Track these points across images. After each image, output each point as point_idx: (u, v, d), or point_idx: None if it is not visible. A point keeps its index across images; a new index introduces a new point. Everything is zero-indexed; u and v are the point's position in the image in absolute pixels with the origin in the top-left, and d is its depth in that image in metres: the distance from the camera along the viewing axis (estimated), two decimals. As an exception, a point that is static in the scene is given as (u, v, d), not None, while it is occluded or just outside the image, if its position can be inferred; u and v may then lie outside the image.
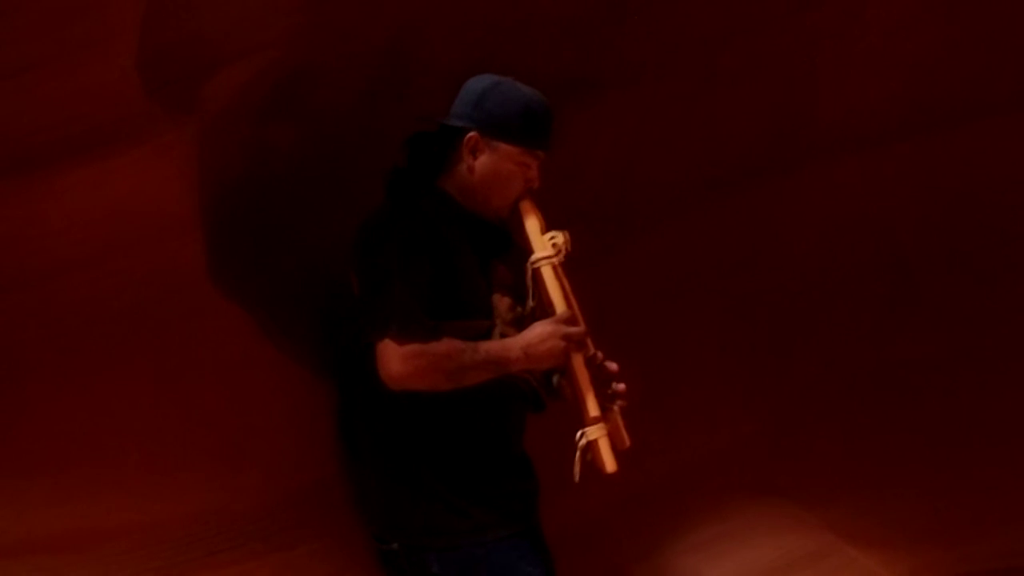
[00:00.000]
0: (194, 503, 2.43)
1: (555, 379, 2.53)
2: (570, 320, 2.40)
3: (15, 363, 2.29)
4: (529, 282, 2.45)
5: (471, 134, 2.43)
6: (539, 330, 2.39)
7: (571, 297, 2.47)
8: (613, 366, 2.46)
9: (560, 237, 2.46)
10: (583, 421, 2.40)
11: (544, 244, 2.45)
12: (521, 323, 2.44)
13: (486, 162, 2.44)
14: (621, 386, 2.45)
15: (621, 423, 2.48)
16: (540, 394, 2.52)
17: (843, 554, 3.31)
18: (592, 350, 2.46)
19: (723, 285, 3.39)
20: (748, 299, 3.41)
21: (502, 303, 2.44)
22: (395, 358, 2.28)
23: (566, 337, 2.38)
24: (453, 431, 2.42)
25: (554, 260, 2.45)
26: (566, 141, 3.06)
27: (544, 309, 2.45)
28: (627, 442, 2.49)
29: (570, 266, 3.10)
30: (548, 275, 2.44)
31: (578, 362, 2.41)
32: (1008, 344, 3.45)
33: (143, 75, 2.18)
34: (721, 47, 3.24)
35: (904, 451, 3.42)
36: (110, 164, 2.19)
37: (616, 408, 2.47)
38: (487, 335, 2.40)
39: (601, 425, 2.38)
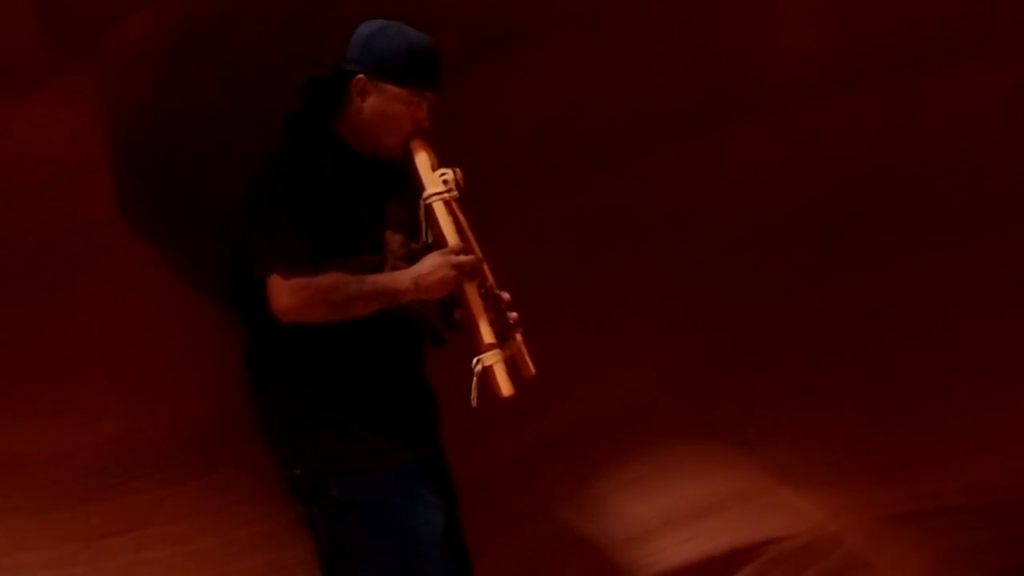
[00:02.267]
0: (107, 432, 2.55)
1: (457, 314, 2.62)
2: (461, 251, 2.49)
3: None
4: (422, 218, 2.54)
5: (358, 77, 2.53)
6: (429, 261, 2.49)
7: (467, 231, 2.56)
8: (505, 295, 2.54)
9: (450, 173, 2.55)
10: (478, 348, 2.49)
11: (435, 181, 2.54)
12: (414, 258, 2.53)
13: (374, 104, 2.53)
14: (514, 314, 2.53)
15: (525, 351, 2.57)
16: (436, 326, 2.61)
17: (773, 494, 3.37)
18: (487, 280, 2.54)
19: (657, 233, 3.43)
20: (682, 247, 3.45)
21: (394, 239, 2.54)
22: (283, 292, 2.39)
23: (456, 267, 2.47)
24: (347, 360, 2.52)
25: (445, 196, 2.54)
26: (494, 93, 3.19)
27: (440, 245, 2.55)
28: (532, 370, 2.58)
29: (505, 216, 3.24)
30: (440, 210, 2.53)
31: (471, 291, 2.50)
32: (941, 292, 3.46)
33: (43, 21, 2.28)
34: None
35: (839, 394, 3.44)
36: (12, 109, 2.30)
37: (518, 337, 2.54)
38: (378, 270, 2.50)
39: (496, 351, 2.47)
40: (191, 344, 2.60)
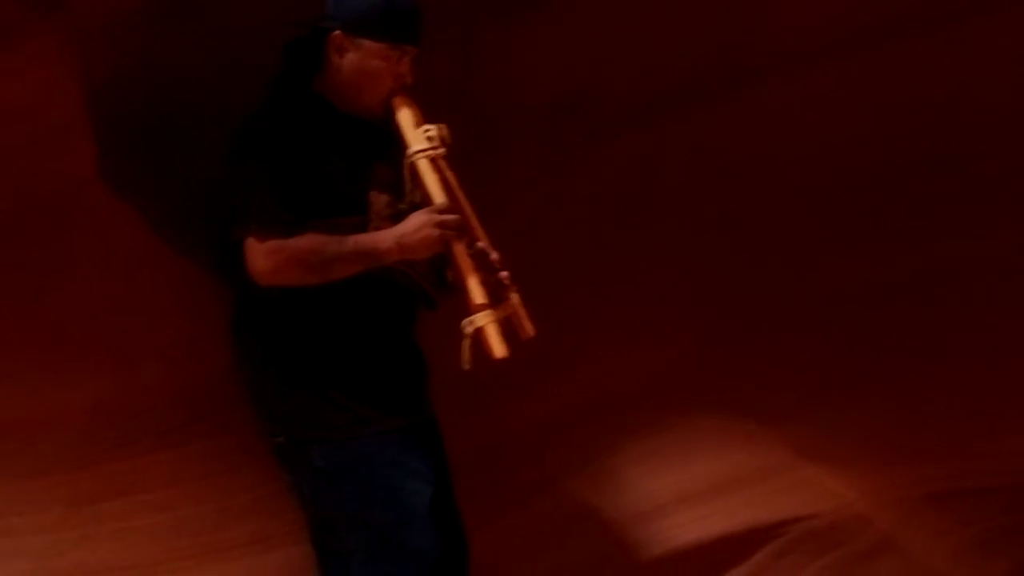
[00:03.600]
0: (95, 397, 2.53)
1: (449, 276, 2.54)
2: (446, 209, 2.41)
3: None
4: (407, 177, 2.47)
5: (335, 33, 2.46)
6: (414, 220, 2.42)
7: (455, 189, 2.48)
8: (494, 255, 2.45)
9: (435, 130, 2.47)
10: (468, 309, 2.41)
11: (419, 137, 2.46)
12: (400, 219, 2.46)
13: (352, 60, 2.47)
14: (504, 273, 2.45)
15: (522, 312, 2.48)
16: (425, 289, 2.53)
17: (797, 471, 3.24)
18: (478, 239, 2.46)
19: (680, 200, 3.32)
20: (705, 214, 3.34)
21: (379, 200, 2.47)
22: (259, 254, 2.35)
23: (441, 225, 2.39)
24: (331, 325, 2.46)
25: (430, 152, 2.46)
26: (509, 54, 3.10)
27: (427, 204, 2.47)
28: (530, 331, 2.49)
29: (522, 180, 3.15)
30: (425, 168, 2.46)
31: (459, 251, 2.42)
32: (974, 265, 3.30)
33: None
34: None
35: (867, 370, 3.31)
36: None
37: (514, 297, 2.46)
38: (362, 231, 2.43)
39: (488, 312, 2.39)
40: (178, 308, 2.58)
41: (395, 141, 2.52)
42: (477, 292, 2.40)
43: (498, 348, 2.37)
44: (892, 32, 3.22)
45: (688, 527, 3.09)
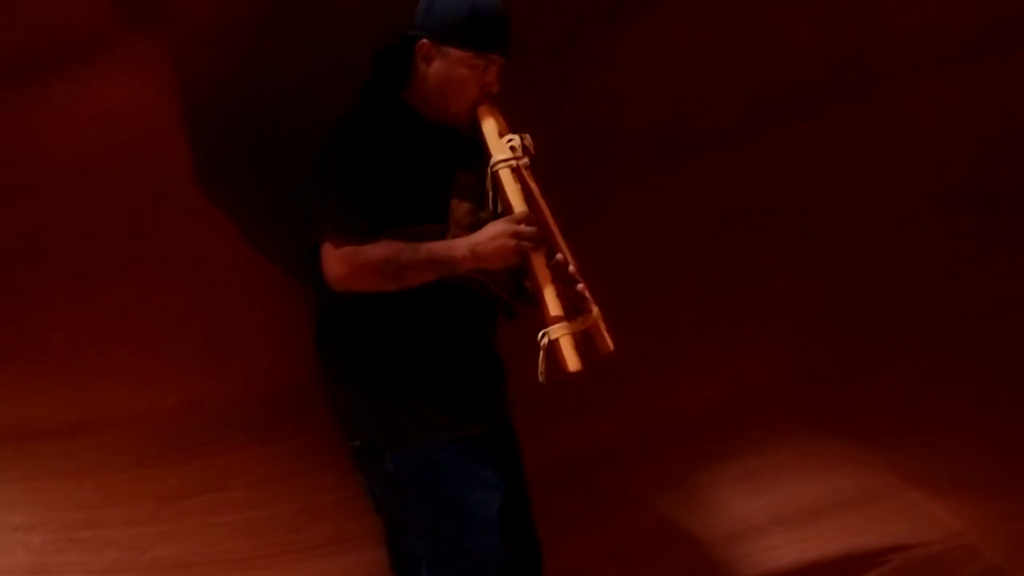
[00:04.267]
0: (183, 395, 2.61)
1: (528, 286, 2.53)
2: (525, 219, 2.41)
3: (24, 263, 2.54)
4: (489, 186, 2.47)
5: (422, 41, 2.48)
6: (490, 230, 2.42)
7: (538, 199, 2.47)
8: (573, 267, 2.43)
9: (517, 139, 2.46)
10: (544, 321, 2.40)
11: (502, 147, 2.46)
12: (480, 228, 2.45)
13: (439, 68, 2.48)
14: (581, 285, 2.42)
15: (602, 326, 2.46)
16: (501, 296, 2.53)
17: (904, 496, 3.11)
18: (558, 251, 2.44)
19: (785, 214, 3.23)
20: (811, 229, 3.24)
21: (460, 208, 2.47)
22: (334, 260, 2.37)
23: (516, 235, 2.39)
24: (408, 331, 2.46)
25: (513, 162, 2.46)
26: (614, 63, 3.07)
27: (508, 214, 2.46)
28: (610, 346, 2.47)
29: (626, 192, 3.11)
30: (507, 178, 2.45)
31: (537, 262, 2.42)
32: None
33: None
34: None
35: (982, 392, 3.16)
36: (81, 78, 2.38)
37: (594, 310, 2.44)
38: (441, 239, 2.44)
39: (564, 324, 2.38)
40: (268, 312, 2.64)
41: (480, 151, 2.53)
42: (553, 304, 2.39)
43: (572, 361, 2.35)
44: (1011, 42, 3.06)
45: (782, 551, 3.00)
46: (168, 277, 2.58)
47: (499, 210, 2.49)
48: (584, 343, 2.46)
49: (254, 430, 2.62)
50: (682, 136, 3.15)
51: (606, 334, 2.48)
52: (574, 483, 2.87)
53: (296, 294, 2.64)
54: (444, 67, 2.48)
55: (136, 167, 2.53)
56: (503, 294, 2.53)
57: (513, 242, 2.39)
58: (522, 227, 2.40)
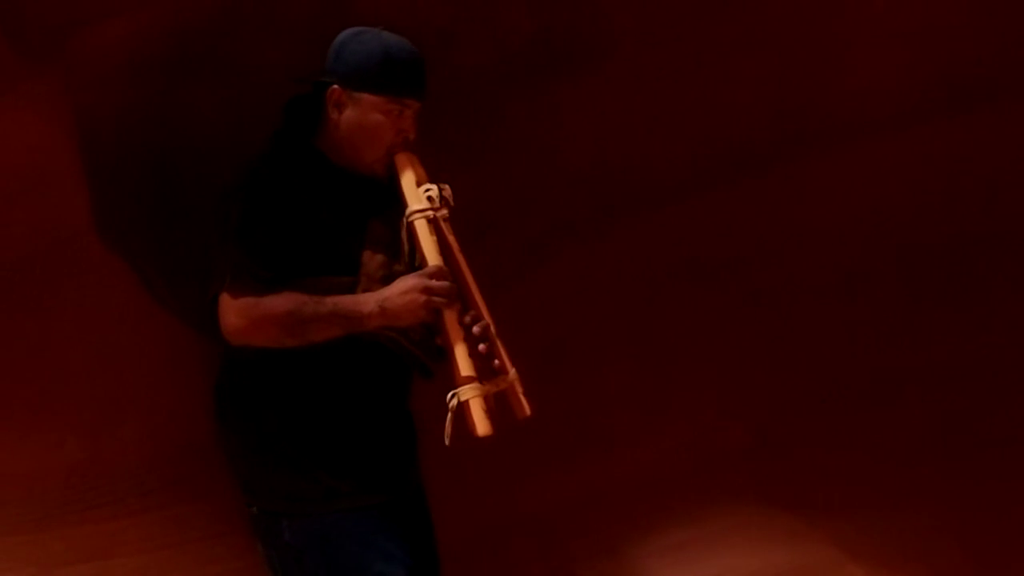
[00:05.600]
0: (73, 455, 2.46)
1: (440, 342, 2.39)
2: (437, 274, 2.28)
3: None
4: (404, 238, 2.35)
5: (332, 87, 2.37)
6: (400, 284, 2.29)
7: (456, 253, 2.36)
8: (483, 326, 2.31)
9: (435, 189, 2.35)
10: (454, 381, 2.27)
11: (418, 197, 2.35)
12: (392, 281, 2.32)
13: (351, 115, 2.37)
14: (495, 346, 2.29)
15: (519, 389, 2.35)
16: (416, 355, 2.39)
17: (841, 571, 2.97)
18: (474, 308, 2.32)
19: (722, 277, 3.12)
20: (750, 293, 3.12)
21: (373, 260, 2.35)
22: (231, 311, 2.24)
23: (427, 290, 2.26)
24: (311, 391, 2.33)
25: (429, 213, 2.34)
26: (553, 116, 2.97)
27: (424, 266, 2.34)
28: (527, 411, 2.35)
29: (562, 248, 3.00)
30: (422, 229, 2.34)
31: (449, 318, 2.30)
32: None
33: (4, 26, 2.23)
34: (715, 15, 3.02)
35: (922, 464, 3.03)
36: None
37: (511, 372, 2.32)
38: (351, 292, 2.30)
39: (475, 385, 2.26)
40: (165, 368, 2.50)
41: (397, 200, 2.41)
42: (464, 363, 2.27)
43: (481, 425, 2.24)
44: (966, 96, 3.00)
45: (712, 627, 2.85)
46: (63, 328, 2.44)
47: (416, 263, 2.37)
48: (500, 406, 2.34)
49: (146, 493, 2.48)
50: (619, 190, 3.05)
51: (523, 398, 2.36)
52: (494, 555, 2.74)
53: (197, 349, 2.50)
54: (357, 114, 2.36)
55: (32, 212, 2.39)
56: (417, 352, 2.39)
57: (423, 297, 2.26)
58: (434, 282, 2.28)
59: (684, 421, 3.05)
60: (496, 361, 2.33)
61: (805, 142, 3.10)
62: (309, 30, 2.59)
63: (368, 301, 2.27)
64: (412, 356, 2.40)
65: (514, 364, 2.37)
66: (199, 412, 2.47)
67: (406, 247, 2.36)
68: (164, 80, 2.52)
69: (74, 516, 2.44)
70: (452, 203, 2.38)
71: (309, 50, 2.54)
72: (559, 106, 2.96)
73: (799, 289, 3.12)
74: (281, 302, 2.23)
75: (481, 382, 2.27)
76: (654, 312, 3.07)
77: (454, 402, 2.24)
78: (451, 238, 2.37)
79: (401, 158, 2.38)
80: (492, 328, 2.34)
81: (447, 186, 2.38)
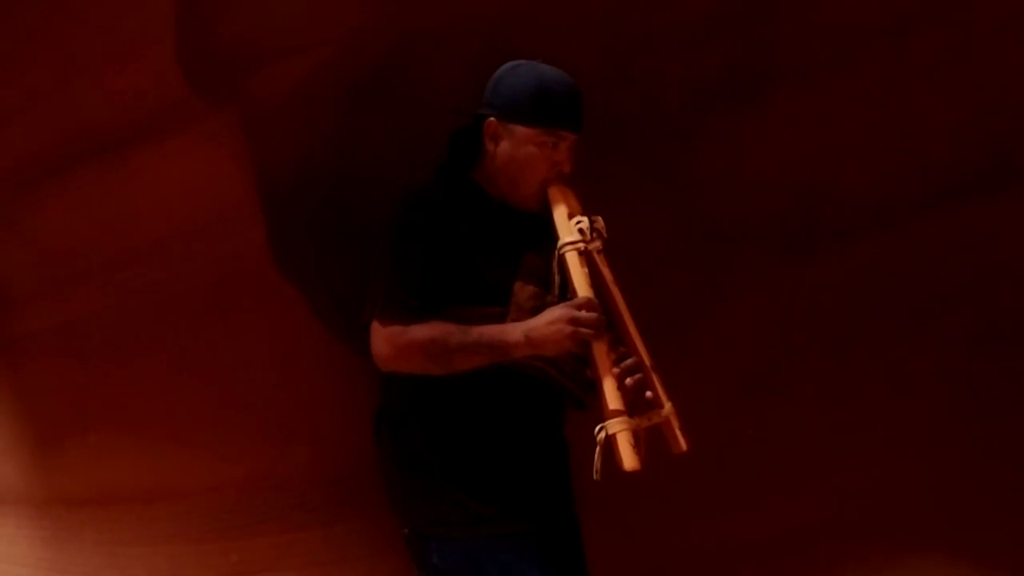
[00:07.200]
0: (248, 471, 2.62)
1: (590, 374, 2.38)
2: (586, 305, 2.27)
3: (109, 335, 2.62)
4: (555, 270, 2.35)
5: (489, 120, 2.40)
6: (548, 314, 2.29)
7: (610, 285, 2.35)
8: (636, 359, 2.27)
9: (586, 222, 2.34)
10: (603, 414, 2.25)
11: (570, 229, 2.35)
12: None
13: (506, 148, 2.39)
14: (629, 380, 2.26)
15: (675, 423, 2.30)
16: (567, 386, 2.38)
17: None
18: (628, 341, 2.29)
19: (930, 310, 2.93)
20: (957, 326, 2.93)
21: (523, 291, 2.36)
22: (380, 338, 2.30)
23: (574, 320, 2.25)
24: (458, 417, 2.37)
25: (580, 245, 2.33)
26: (738, 147, 2.91)
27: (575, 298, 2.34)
28: (683, 446, 2.29)
29: (748, 283, 2.91)
30: (573, 261, 2.33)
31: (599, 350, 2.27)
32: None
33: (184, 66, 2.40)
34: (908, 33, 2.85)
35: None
36: (155, 152, 2.44)
37: (667, 406, 2.28)
38: (500, 322, 2.33)
39: (623, 419, 2.23)
40: (328, 391, 2.61)
41: (553, 233, 2.42)
42: (612, 396, 2.24)
43: (628, 460, 2.19)
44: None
45: None
46: (243, 354, 2.59)
47: (567, 295, 2.37)
48: (655, 441, 2.29)
49: (314, 509, 2.59)
50: (810, 222, 2.93)
51: (679, 433, 2.30)
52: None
53: (367, 377, 2.58)
54: (511, 146, 2.39)
55: (214, 244, 2.56)
56: (568, 383, 2.39)
57: (570, 328, 2.25)
58: (583, 313, 2.26)
59: (873, 466, 2.87)
60: (649, 394, 2.29)
61: (1017, 169, 2.88)
62: (478, 63, 2.65)
63: (515, 330, 2.29)
64: (563, 387, 2.40)
65: (670, 398, 2.33)
66: (362, 435, 2.55)
67: (557, 279, 2.36)
68: (338, 114, 2.64)
69: (248, 528, 2.59)
70: (605, 235, 2.36)
71: (479, 81, 2.60)
72: (742, 137, 2.88)
73: (1011, 326, 2.89)
74: (427, 330, 2.28)
75: (631, 416, 2.24)
76: (847, 353, 2.91)
77: (602, 435, 2.22)
78: (605, 270, 2.35)
79: (554, 191, 2.39)
80: (647, 360, 2.31)
81: (599, 218, 2.36)
